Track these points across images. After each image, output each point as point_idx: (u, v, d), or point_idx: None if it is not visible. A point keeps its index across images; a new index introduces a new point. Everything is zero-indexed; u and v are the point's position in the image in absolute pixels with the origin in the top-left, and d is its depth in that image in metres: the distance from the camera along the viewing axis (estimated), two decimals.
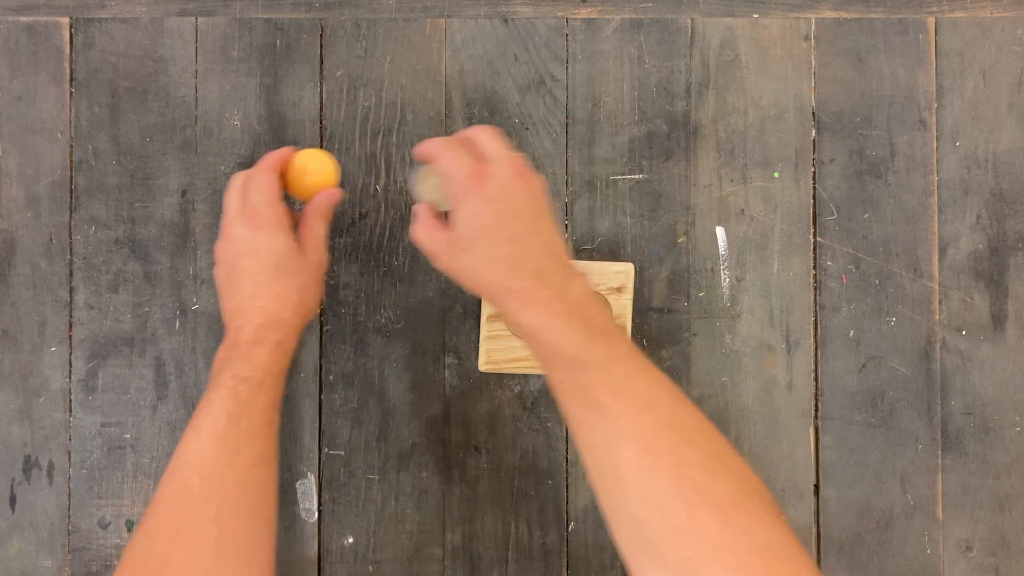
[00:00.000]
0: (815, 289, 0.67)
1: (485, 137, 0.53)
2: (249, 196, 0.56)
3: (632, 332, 0.65)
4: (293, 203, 0.63)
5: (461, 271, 0.52)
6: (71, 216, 0.67)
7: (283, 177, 0.58)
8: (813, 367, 0.66)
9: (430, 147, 0.53)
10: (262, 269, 0.55)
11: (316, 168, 0.59)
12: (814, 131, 0.67)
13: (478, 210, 0.50)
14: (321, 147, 0.67)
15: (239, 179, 0.58)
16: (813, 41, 0.67)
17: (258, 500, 0.52)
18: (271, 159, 0.57)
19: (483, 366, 0.63)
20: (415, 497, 0.66)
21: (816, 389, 0.66)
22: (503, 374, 0.66)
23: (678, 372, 0.66)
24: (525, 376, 0.66)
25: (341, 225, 0.67)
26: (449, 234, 0.52)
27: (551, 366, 0.49)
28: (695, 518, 0.43)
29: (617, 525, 0.46)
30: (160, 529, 0.50)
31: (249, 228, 0.55)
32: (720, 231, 0.67)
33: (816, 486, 0.66)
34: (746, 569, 0.42)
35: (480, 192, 0.51)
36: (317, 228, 0.58)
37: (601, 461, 0.47)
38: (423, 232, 0.54)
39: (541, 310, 0.49)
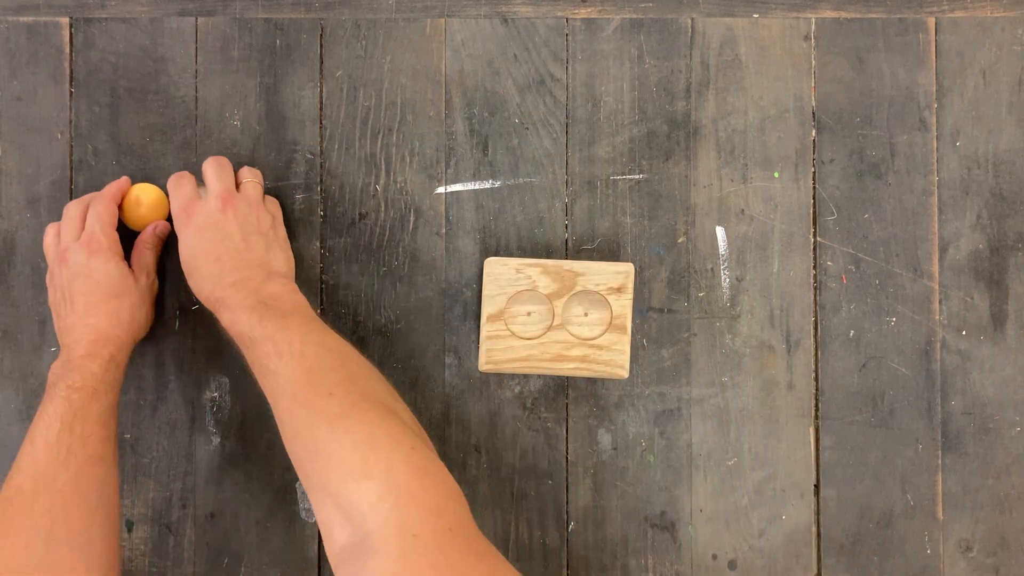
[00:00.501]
0: (815, 289, 0.67)
1: (208, 169, 0.63)
2: (88, 224, 0.62)
3: (632, 332, 0.65)
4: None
5: (193, 290, 0.61)
6: None
7: (122, 211, 0.65)
8: (813, 367, 0.66)
9: (170, 180, 0.63)
10: (96, 290, 0.61)
11: (148, 201, 0.65)
12: (814, 131, 0.67)
13: (189, 238, 0.61)
14: (321, 149, 0.67)
15: (73, 208, 0.63)
16: (813, 41, 0.67)
17: (95, 496, 0.56)
18: (111, 190, 0.64)
19: (483, 366, 0.63)
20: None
21: (816, 389, 0.66)
22: (503, 374, 0.66)
23: (678, 372, 0.66)
24: (525, 376, 0.66)
25: (341, 225, 0.67)
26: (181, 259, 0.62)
27: (243, 351, 0.58)
28: (313, 435, 0.51)
29: (298, 472, 0.54)
30: None
31: (86, 253, 0.61)
32: (720, 231, 0.67)
33: (816, 486, 0.66)
34: (348, 465, 0.49)
35: (192, 223, 0.61)
36: (147, 256, 0.64)
37: (277, 419, 0.56)
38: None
39: (234, 308, 0.58)
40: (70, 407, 0.57)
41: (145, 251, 0.65)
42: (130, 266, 0.63)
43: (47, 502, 0.54)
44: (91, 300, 0.60)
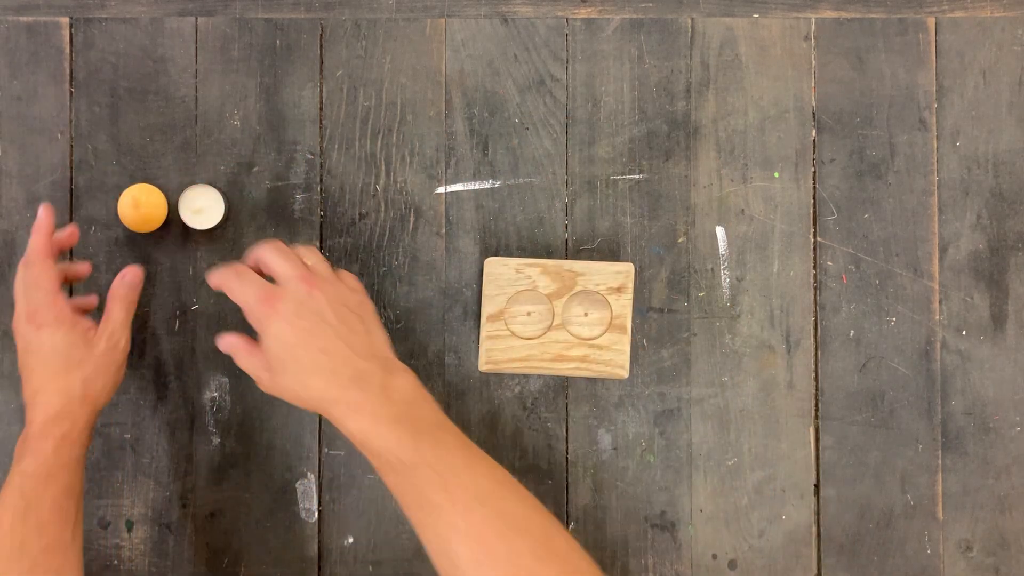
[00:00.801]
0: (815, 289, 0.67)
1: (269, 256, 0.55)
2: (28, 292, 0.58)
3: (632, 332, 0.65)
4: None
5: (284, 392, 0.54)
6: (71, 216, 0.67)
7: (120, 212, 0.62)
8: (813, 367, 0.66)
9: (219, 279, 0.56)
10: (45, 365, 0.57)
11: (148, 202, 0.62)
12: (814, 131, 0.67)
13: (281, 331, 0.52)
14: (321, 149, 0.67)
15: (18, 274, 0.59)
16: (813, 41, 0.67)
17: None
18: (39, 245, 0.58)
19: (483, 366, 0.63)
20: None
21: (816, 389, 0.66)
22: (503, 374, 0.66)
23: (678, 372, 0.66)
24: (525, 376, 0.66)
25: (341, 225, 0.67)
26: (263, 359, 0.54)
27: (384, 471, 0.51)
28: None
29: None
30: None
31: (31, 327, 0.57)
32: (720, 231, 0.67)
33: (816, 486, 0.66)
34: None
35: (277, 313, 0.52)
36: (115, 312, 0.60)
37: (440, 556, 0.49)
38: (241, 360, 0.55)
39: (366, 417, 0.51)
40: (23, 496, 0.54)
41: (114, 305, 0.60)
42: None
43: None
44: (42, 376, 0.57)
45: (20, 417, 0.66)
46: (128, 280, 0.61)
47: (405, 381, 0.53)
